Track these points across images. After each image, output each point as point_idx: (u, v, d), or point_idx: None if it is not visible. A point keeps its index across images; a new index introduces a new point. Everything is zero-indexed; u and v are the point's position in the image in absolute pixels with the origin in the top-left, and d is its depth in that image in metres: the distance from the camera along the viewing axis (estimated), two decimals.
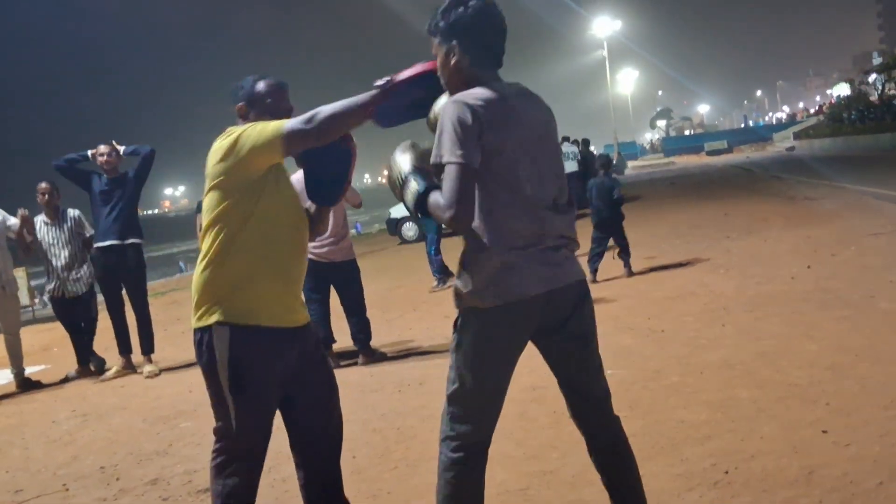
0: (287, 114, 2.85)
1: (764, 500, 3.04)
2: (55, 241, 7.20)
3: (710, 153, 53.16)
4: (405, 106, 2.73)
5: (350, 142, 2.83)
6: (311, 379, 2.88)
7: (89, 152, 6.87)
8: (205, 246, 2.75)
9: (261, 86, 2.90)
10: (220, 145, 2.73)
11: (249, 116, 2.87)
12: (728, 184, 22.44)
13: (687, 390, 4.52)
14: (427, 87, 2.67)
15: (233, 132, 2.73)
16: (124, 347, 7.07)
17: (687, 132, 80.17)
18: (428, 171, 2.49)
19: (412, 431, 4.38)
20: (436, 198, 2.38)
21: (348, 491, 3.68)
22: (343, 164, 2.87)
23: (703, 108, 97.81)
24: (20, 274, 7.44)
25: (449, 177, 2.33)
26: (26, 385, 7.02)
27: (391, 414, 4.80)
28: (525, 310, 2.45)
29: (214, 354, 2.67)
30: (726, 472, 3.32)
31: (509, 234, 2.43)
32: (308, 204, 3.01)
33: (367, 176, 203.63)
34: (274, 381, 2.75)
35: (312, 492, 2.96)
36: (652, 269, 9.05)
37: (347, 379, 5.89)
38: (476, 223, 2.41)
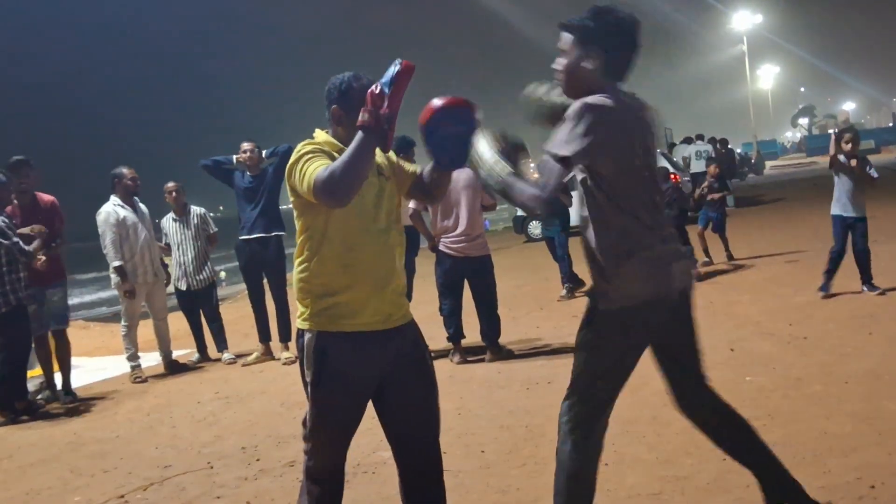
0: None
1: None
2: (182, 238, 7.72)
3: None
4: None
5: (469, 106, 2.67)
6: (408, 379, 2.84)
7: (234, 157, 7.24)
8: (297, 249, 2.82)
9: (354, 85, 2.76)
10: (290, 162, 2.72)
11: (344, 121, 2.77)
12: (874, 186, 21.15)
13: (831, 400, 4.32)
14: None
15: (299, 152, 2.71)
16: (264, 335, 7.41)
17: (831, 131, 75.94)
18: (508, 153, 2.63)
19: (541, 430, 4.37)
20: (521, 185, 2.52)
21: (476, 484, 3.73)
22: (465, 125, 2.70)
23: (849, 106, 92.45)
24: (169, 263, 7.92)
25: (547, 167, 2.46)
26: (174, 367, 7.48)
27: (519, 411, 4.81)
28: (665, 305, 2.59)
29: (303, 355, 2.77)
30: (872, 487, 3.16)
31: (638, 233, 2.56)
32: (425, 170, 2.93)
33: None
34: (357, 385, 2.76)
35: (410, 489, 2.94)
36: (793, 272, 8.67)
37: (475, 375, 5.95)
38: (609, 222, 2.56)
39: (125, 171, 7.25)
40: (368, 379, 2.79)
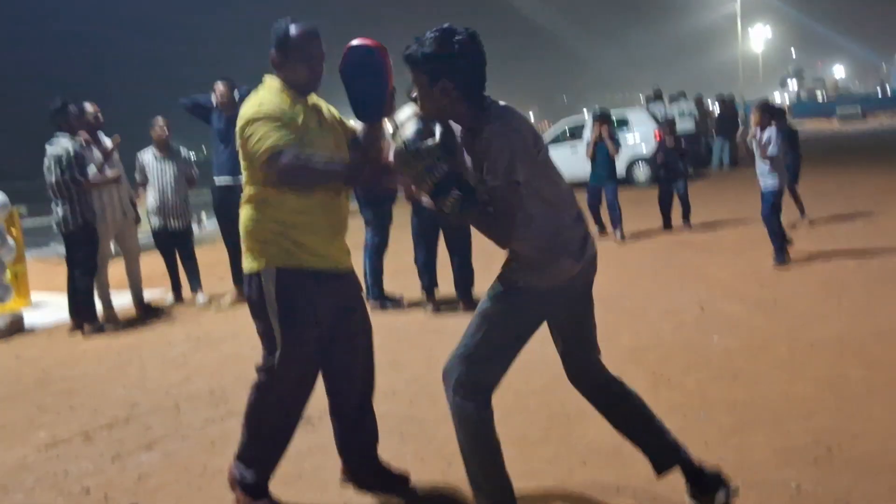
0: (318, 61, 2.83)
1: (866, 482, 2.93)
2: (162, 176, 7.49)
3: (842, 118, 50.28)
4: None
5: (381, 52, 2.70)
6: (349, 325, 2.98)
7: (213, 98, 7.06)
8: (245, 194, 2.85)
9: (293, 32, 2.81)
10: (239, 120, 2.77)
11: (284, 66, 2.83)
12: (858, 152, 21.24)
13: (795, 364, 4.37)
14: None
15: (244, 114, 2.75)
16: (238, 277, 7.33)
17: (818, 92, 75.76)
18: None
19: (506, 381, 4.37)
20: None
21: (438, 432, 3.76)
22: (378, 77, 2.73)
23: (839, 70, 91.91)
24: (139, 202, 7.73)
25: (505, 196, 2.48)
26: (145, 309, 7.40)
27: None
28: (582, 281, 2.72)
29: (263, 294, 2.81)
30: (829, 450, 3.22)
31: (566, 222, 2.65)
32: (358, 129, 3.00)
33: None
34: (318, 318, 2.85)
35: (344, 437, 3.11)
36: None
37: (446, 325, 5.96)
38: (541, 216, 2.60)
39: (88, 107, 6.95)
40: (328, 311, 2.88)
